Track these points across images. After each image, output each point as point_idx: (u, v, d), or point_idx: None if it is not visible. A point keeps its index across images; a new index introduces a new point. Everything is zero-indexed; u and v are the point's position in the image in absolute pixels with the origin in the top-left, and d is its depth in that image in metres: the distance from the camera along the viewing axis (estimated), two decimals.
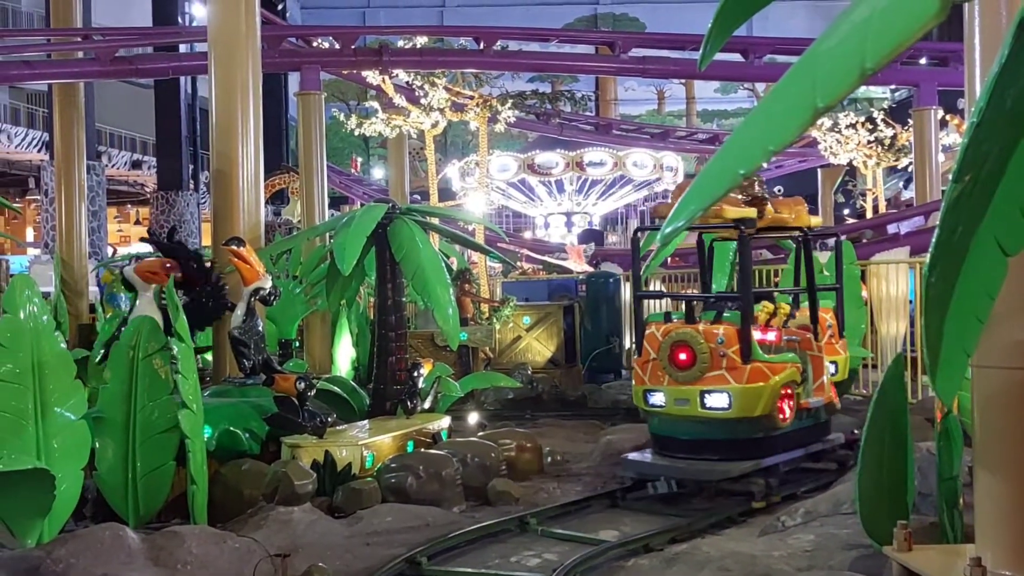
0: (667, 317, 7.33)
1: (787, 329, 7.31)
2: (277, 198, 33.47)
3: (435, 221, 9.60)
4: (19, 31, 29.47)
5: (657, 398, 6.80)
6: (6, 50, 20.07)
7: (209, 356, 9.26)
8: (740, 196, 7.23)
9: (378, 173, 40.46)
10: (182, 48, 23.66)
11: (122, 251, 24.43)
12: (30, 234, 34.15)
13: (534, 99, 20.80)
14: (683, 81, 44.26)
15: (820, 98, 0.99)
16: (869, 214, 25.08)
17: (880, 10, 1.00)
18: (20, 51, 19.72)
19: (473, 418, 9.19)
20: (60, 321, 10.22)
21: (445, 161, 27.69)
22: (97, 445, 5.71)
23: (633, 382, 7.09)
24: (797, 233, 7.82)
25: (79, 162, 13.60)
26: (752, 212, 6.96)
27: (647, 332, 6.90)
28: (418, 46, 17.04)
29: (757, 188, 7.44)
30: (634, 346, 7.07)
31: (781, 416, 6.62)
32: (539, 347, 12.98)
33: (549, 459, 8.01)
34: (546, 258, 18.92)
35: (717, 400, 6.50)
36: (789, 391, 6.66)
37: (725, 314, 7.19)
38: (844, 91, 1.00)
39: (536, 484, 7.37)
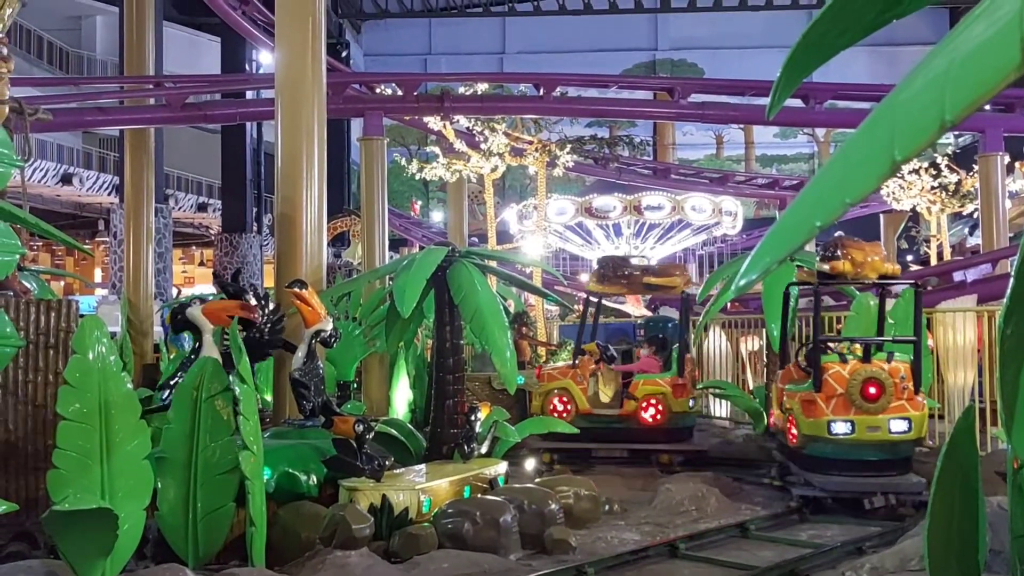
0: (842, 357, 8.25)
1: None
2: (338, 240, 33.97)
3: (493, 264, 9.64)
4: (94, 79, 30.53)
5: (842, 427, 7.96)
6: (81, 97, 20.79)
7: (269, 397, 9.36)
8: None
9: (437, 216, 40.89)
10: (249, 94, 24.31)
11: (186, 292, 24.94)
12: (98, 275, 35.05)
13: (592, 144, 20.90)
14: (742, 126, 44.14)
15: (899, 150, 0.98)
16: (934, 261, 24.61)
17: (960, 61, 0.99)
18: (95, 98, 20.43)
19: (530, 464, 9.13)
20: (126, 361, 10.42)
21: (503, 204, 27.89)
22: (159, 485, 5.77)
23: (804, 416, 8.11)
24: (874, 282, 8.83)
25: (148, 205, 13.95)
26: (896, 270, 8.88)
27: (831, 371, 8.05)
28: (479, 92, 17.26)
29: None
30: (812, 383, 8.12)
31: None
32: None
33: (607, 507, 7.92)
34: (604, 302, 18.84)
35: (900, 425, 7.96)
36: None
37: (878, 353, 8.38)
38: (923, 143, 0.99)
39: (593, 532, 7.28)
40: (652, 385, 10.18)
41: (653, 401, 10.06)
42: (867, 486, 7.84)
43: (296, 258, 8.88)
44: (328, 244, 12.08)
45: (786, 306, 9.55)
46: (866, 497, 7.78)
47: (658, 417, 10.01)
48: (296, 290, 7.47)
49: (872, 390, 7.94)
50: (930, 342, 10.56)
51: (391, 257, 17.29)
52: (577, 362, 10.45)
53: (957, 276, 16.19)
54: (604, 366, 10.63)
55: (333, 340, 7.57)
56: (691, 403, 10.43)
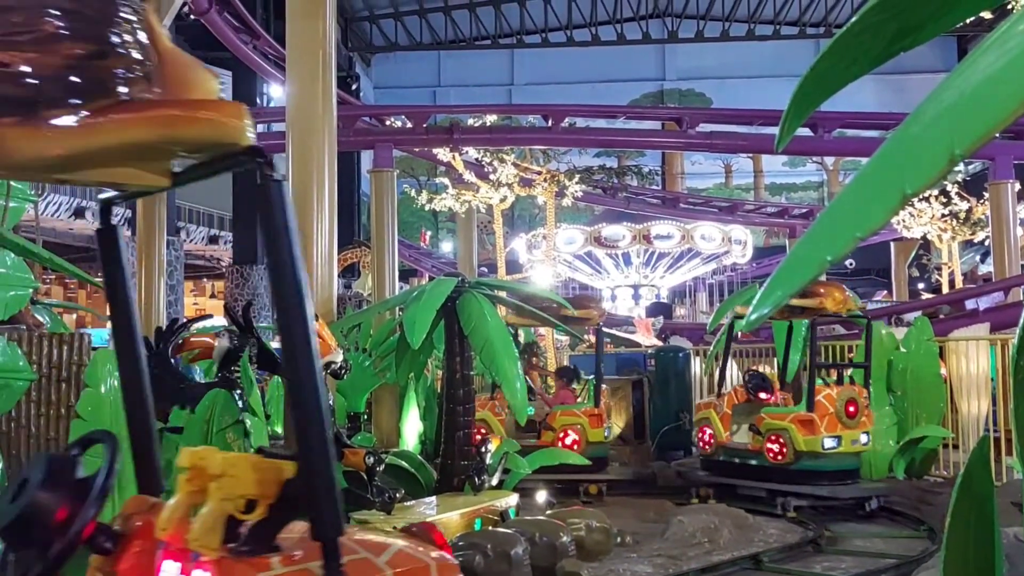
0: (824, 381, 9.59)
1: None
2: (348, 272, 34.04)
3: (503, 294, 9.65)
4: None
5: (831, 442, 9.17)
6: None
7: (280, 429, 9.35)
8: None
9: (447, 246, 40.99)
10: (260, 128, 24.49)
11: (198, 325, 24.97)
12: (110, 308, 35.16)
13: (601, 174, 20.98)
14: (751, 155, 44.26)
15: (908, 184, 0.98)
16: (945, 289, 24.52)
17: (969, 94, 0.99)
18: None
19: (541, 496, 9.08)
20: None
21: (512, 234, 27.95)
22: None
23: (801, 435, 9.21)
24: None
25: (160, 238, 14.04)
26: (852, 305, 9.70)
27: (824, 393, 9.30)
28: (487, 124, 17.36)
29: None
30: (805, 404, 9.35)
31: None
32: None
33: (619, 539, 7.85)
34: (614, 331, 18.80)
35: (864, 438, 9.46)
36: None
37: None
38: (933, 178, 0.99)
39: (605, 565, 7.23)
40: (570, 416, 10.31)
41: (571, 431, 10.21)
42: (860, 491, 9.20)
43: None
44: (338, 275, 12.11)
45: (790, 336, 10.11)
46: (866, 502, 9.10)
47: (575, 448, 10.09)
48: None
49: (851, 408, 9.29)
50: (943, 371, 10.51)
51: (401, 288, 17.31)
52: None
53: (969, 304, 16.12)
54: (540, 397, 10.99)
55: (343, 372, 7.56)
56: (606, 433, 10.58)
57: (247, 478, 2.00)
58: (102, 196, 2.31)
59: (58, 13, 1.70)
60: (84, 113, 1.73)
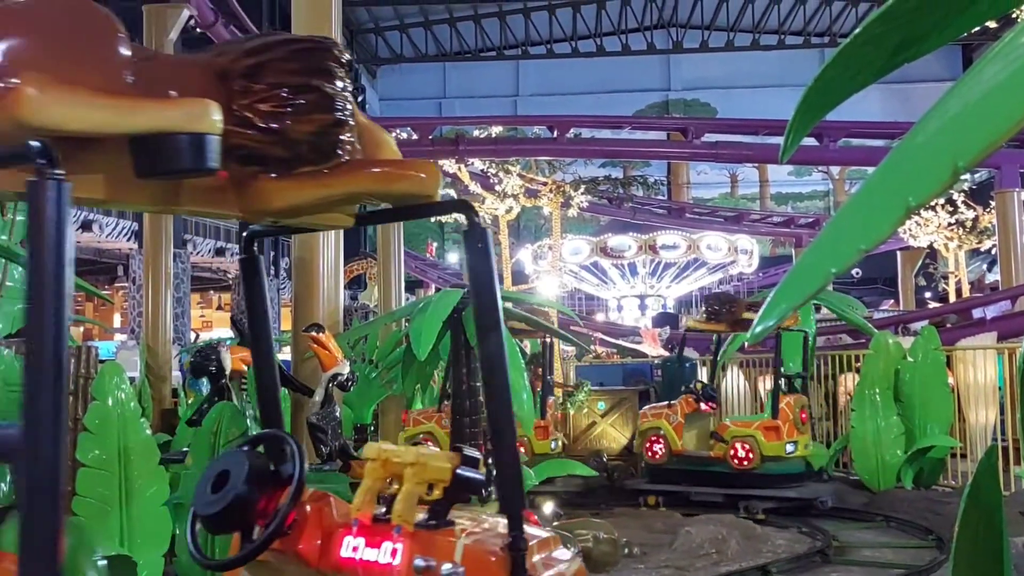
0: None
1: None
2: (355, 283, 34.08)
3: (509, 305, 9.64)
4: None
5: (791, 447, 9.83)
6: None
7: None
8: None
9: (452, 257, 40.99)
10: None
11: (204, 336, 25.03)
12: (117, 320, 35.25)
13: (607, 184, 20.99)
14: (756, 165, 44.24)
15: (912, 196, 0.98)
16: (952, 298, 24.46)
17: (972, 105, 0.99)
18: None
19: (548, 507, 9.06)
20: (144, 406, 10.46)
21: (518, 245, 27.95)
22: (177, 531, 5.76)
23: (766, 441, 9.80)
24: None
25: (166, 250, 14.04)
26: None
27: (785, 401, 9.93)
28: (493, 135, 17.39)
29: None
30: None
31: None
32: (614, 433, 12.79)
33: (626, 550, 7.83)
34: (620, 342, 18.77)
35: (809, 443, 10.30)
36: None
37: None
38: (937, 189, 0.99)
39: None
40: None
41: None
42: (817, 492, 9.85)
43: (313, 301, 8.90)
44: (345, 287, 12.13)
45: (779, 347, 10.37)
46: (819, 502, 9.62)
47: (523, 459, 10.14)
48: (313, 334, 7.49)
49: (804, 415, 10.11)
50: (950, 380, 10.48)
51: (407, 299, 17.31)
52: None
53: (976, 313, 16.07)
54: None
55: (350, 383, 7.57)
56: (553, 445, 10.62)
57: (431, 466, 2.52)
58: (248, 230, 2.69)
59: (314, 90, 2.21)
60: (324, 170, 2.23)
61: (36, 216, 1.68)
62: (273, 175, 2.18)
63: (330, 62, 2.27)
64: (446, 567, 2.34)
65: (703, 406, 10.75)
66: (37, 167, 1.67)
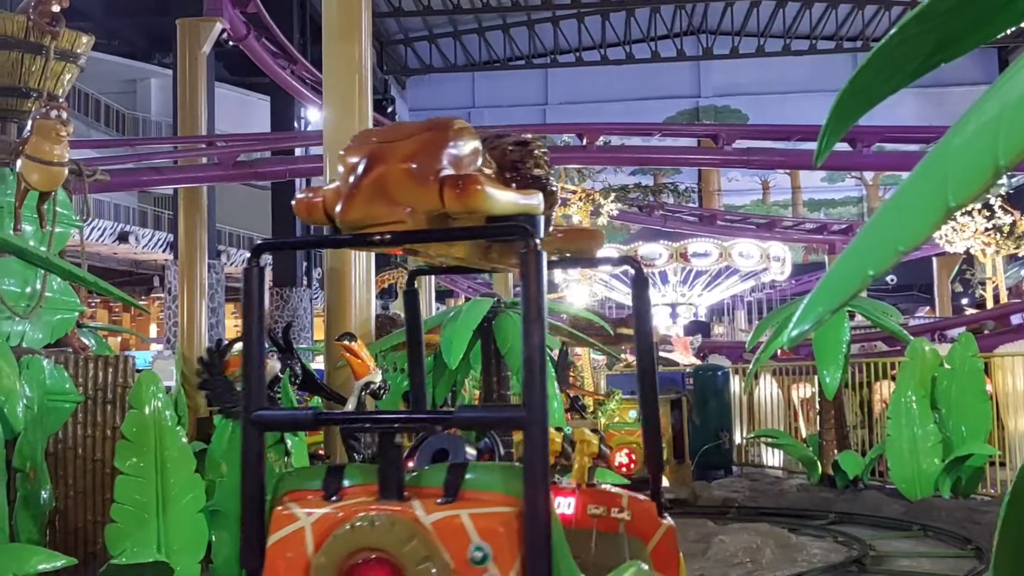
0: None
1: None
2: (386, 293, 34.23)
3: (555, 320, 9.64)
4: (149, 139, 31.34)
5: None
6: (137, 157, 21.34)
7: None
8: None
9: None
10: (298, 151, 24.78)
11: (238, 347, 25.19)
12: (153, 330, 35.64)
13: (637, 192, 20.93)
14: (788, 171, 43.94)
15: (952, 197, 0.98)
16: (990, 304, 24.12)
17: (1012, 105, 0.98)
18: (150, 158, 20.97)
19: None
20: (180, 415, 10.56)
21: None
22: (213, 538, 5.80)
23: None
24: None
25: (201, 261, 14.19)
26: None
27: None
28: None
29: None
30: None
31: None
32: None
33: None
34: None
35: None
36: None
37: None
38: (977, 190, 0.98)
39: None
40: None
41: None
42: None
43: (346, 311, 8.97)
44: (376, 297, 12.19)
45: None
46: None
47: None
48: (346, 343, 7.52)
49: None
50: (989, 387, 10.34)
51: (438, 309, 17.35)
52: None
53: (1015, 319, 15.84)
54: None
55: (382, 392, 7.60)
56: None
57: (590, 443, 3.72)
58: (412, 268, 3.12)
59: (542, 166, 2.85)
60: (558, 234, 3.09)
61: (531, 279, 2.35)
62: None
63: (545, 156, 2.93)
64: (614, 511, 3.29)
65: None
66: (527, 240, 2.33)
